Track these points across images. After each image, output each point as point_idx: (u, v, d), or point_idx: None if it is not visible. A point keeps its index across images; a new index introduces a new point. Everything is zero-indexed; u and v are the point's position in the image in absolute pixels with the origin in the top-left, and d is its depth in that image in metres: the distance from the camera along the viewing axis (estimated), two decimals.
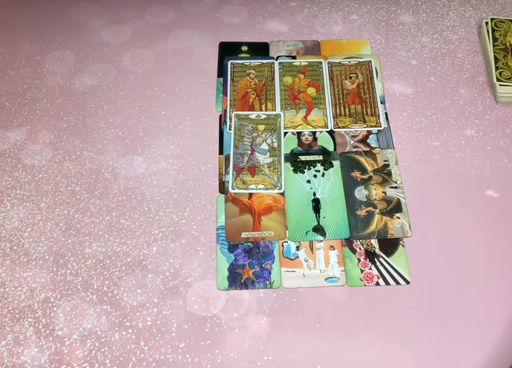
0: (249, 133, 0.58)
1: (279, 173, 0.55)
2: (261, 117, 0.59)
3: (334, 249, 0.52)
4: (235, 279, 0.50)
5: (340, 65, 0.64)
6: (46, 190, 0.56)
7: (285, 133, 0.59)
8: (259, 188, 0.55)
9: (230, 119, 0.59)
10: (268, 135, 0.58)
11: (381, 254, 0.52)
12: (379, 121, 0.59)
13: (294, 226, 0.53)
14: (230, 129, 0.59)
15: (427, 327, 0.48)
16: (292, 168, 0.56)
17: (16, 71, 0.65)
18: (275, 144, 0.57)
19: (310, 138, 0.59)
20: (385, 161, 0.56)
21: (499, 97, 0.61)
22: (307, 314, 0.49)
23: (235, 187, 0.55)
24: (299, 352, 0.47)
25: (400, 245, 0.52)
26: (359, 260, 0.51)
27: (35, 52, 0.66)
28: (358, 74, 0.63)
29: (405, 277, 0.50)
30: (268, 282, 0.50)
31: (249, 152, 0.57)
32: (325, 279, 0.50)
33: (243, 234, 0.52)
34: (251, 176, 0.55)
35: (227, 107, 0.61)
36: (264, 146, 0.57)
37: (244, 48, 0.67)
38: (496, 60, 0.63)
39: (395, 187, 0.55)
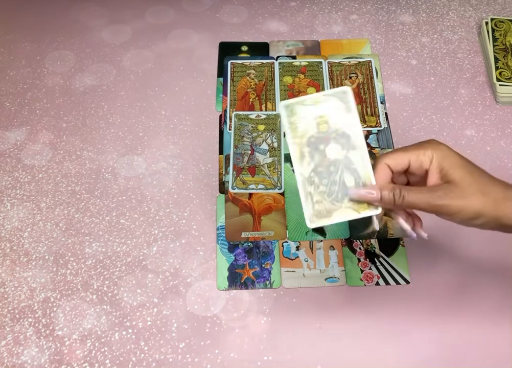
0: (249, 133, 0.58)
1: (279, 173, 0.55)
2: (261, 117, 0.59)
3: (334, 249, 0.52)
4: (235, 279, 0.50)
5: (340, 65, 0.64)
6: (46, 190, 0.56)
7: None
8: (259, 188, 0.55)
9: (230, 119, 0.59)
10: (268, 135, 0.58)
11: (381, 254, 0.52)
12: (379, 121, 0.59)
13: (294, 226, 0.53)
14: (230, 129, 0.58)
15: (427, 327, 0.48)
16: (292, 168, 0.56)
17: (16, 71, 0.65)
18: (275, 144, 0.57)
19: None
20: None
21: (499, 97, 0.61)
22: (307, 314, 0.49)
23: (235, 187, 0.55)
24: (299, 352, 0.47)
25: (400, 245, 0.52)
26: (359, 260, 0.51)
27: (35, 52, 0.66)
28: (358, 74, 0.63)
29: (405, 277, 0.50)
30: (268, 282, 0.50)
31: (249, 152, 0.57)
32: (325, 279, 0.50)
33: (243, 234, 0.52)
34: (251, 176, 0.55)
35: (227, 107, 0.61)
36: (264, 146, 0.57)
37: (244, 48, 0.67)
38: (496, 60, 0.63)
39: None
